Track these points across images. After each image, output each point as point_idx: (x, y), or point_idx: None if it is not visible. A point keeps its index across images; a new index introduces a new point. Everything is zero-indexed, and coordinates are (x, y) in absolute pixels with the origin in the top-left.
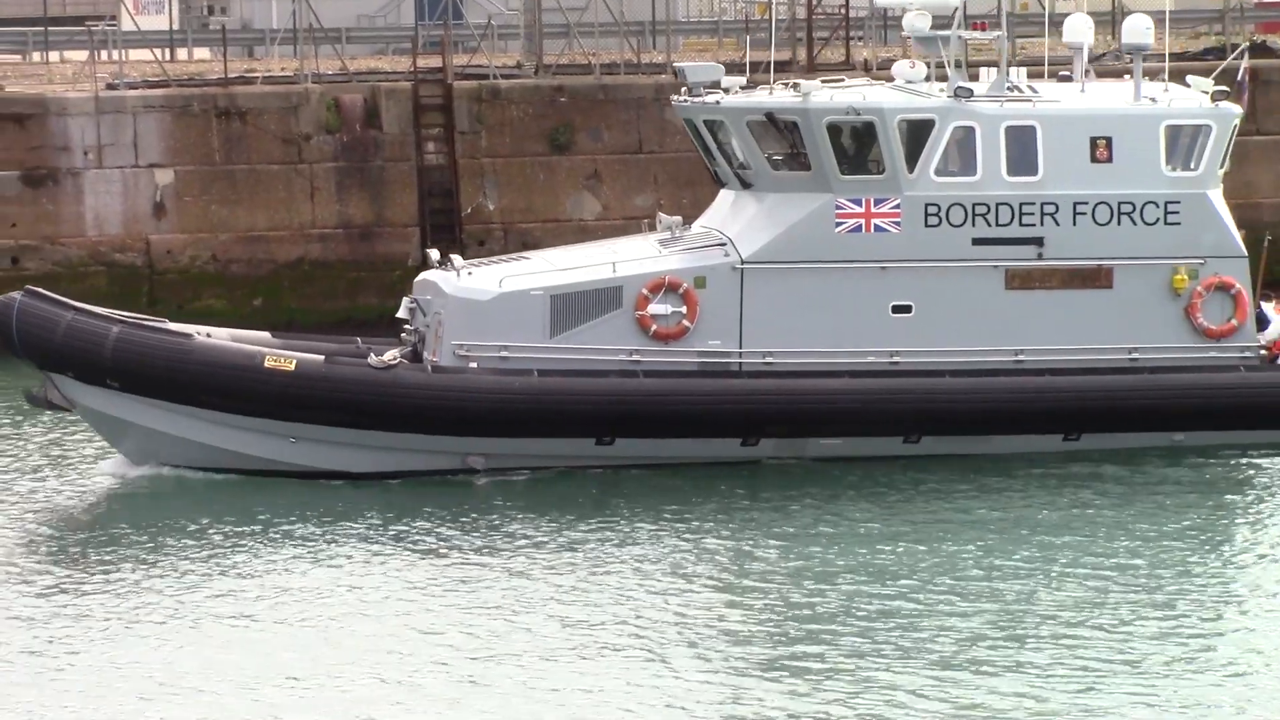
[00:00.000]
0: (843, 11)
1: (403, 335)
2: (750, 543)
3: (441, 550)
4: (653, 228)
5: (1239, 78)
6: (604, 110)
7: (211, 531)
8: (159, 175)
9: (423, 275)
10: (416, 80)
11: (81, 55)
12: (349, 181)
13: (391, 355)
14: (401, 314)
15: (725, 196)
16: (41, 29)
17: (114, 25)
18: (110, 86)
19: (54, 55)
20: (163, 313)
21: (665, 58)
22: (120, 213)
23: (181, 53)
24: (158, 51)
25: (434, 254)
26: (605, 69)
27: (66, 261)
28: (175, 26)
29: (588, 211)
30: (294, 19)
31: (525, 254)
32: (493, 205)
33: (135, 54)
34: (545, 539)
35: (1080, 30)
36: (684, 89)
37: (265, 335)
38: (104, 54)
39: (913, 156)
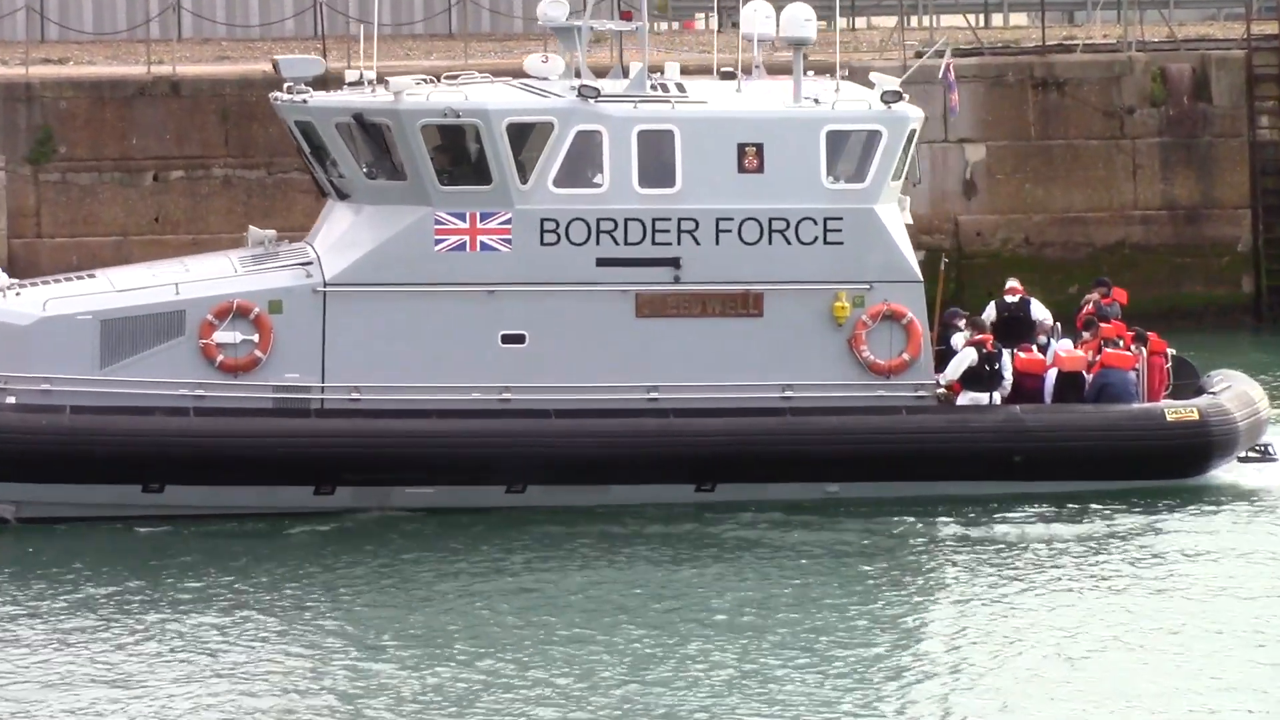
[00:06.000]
0: None
1: None
2: (313, 604)
3: None
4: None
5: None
6: None
7: None
8: (969, 151)
9: None
10: (1250, 48)
11: (890, 21)
12: (1174, 158)
13: None
14: None
15: (327, 209)
16: None
17: None
18: (918, 55)
19: (860, 21)
20: (973, 296)
21: None
22: (928, 191)
23: (996, 18)
24: (971, 17)
25: None
26: None
27: None
28: None
29: None
30: None
31: (92, 271)
32: None
33: (947, 19)
34: (50, 601)
35: (754, 21)
36: (285, 85)
37: None
38: (914, 20)
39: (528, 165)
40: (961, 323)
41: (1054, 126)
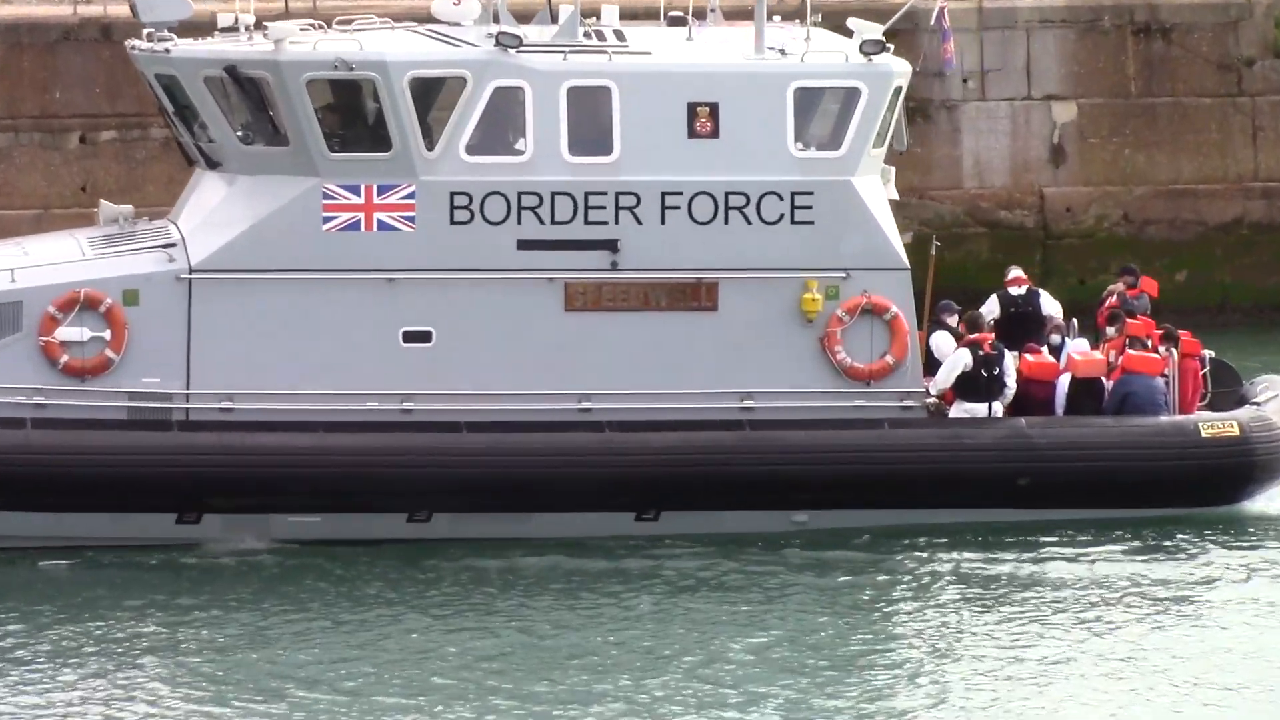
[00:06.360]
0: None
1: None
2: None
3: None
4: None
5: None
6: None
7: None
8: (1057, 110)
9: None
10: None
11: None
12: None
13: None
14: None
15: (195, 179)
16: None
17: None
18: None
19: None
20: (1060, 286)
21: None
22: (1007, 158)
23: None
24: None
25: None
26: None
27: (938, 220)
28: None
29: None
30: None
31: None
32: None
33: None
34: None
35: None
36: (144, 31)
37: None
38: None
39: (435, 128)
40: (953, 319)
41: (1158, 81)
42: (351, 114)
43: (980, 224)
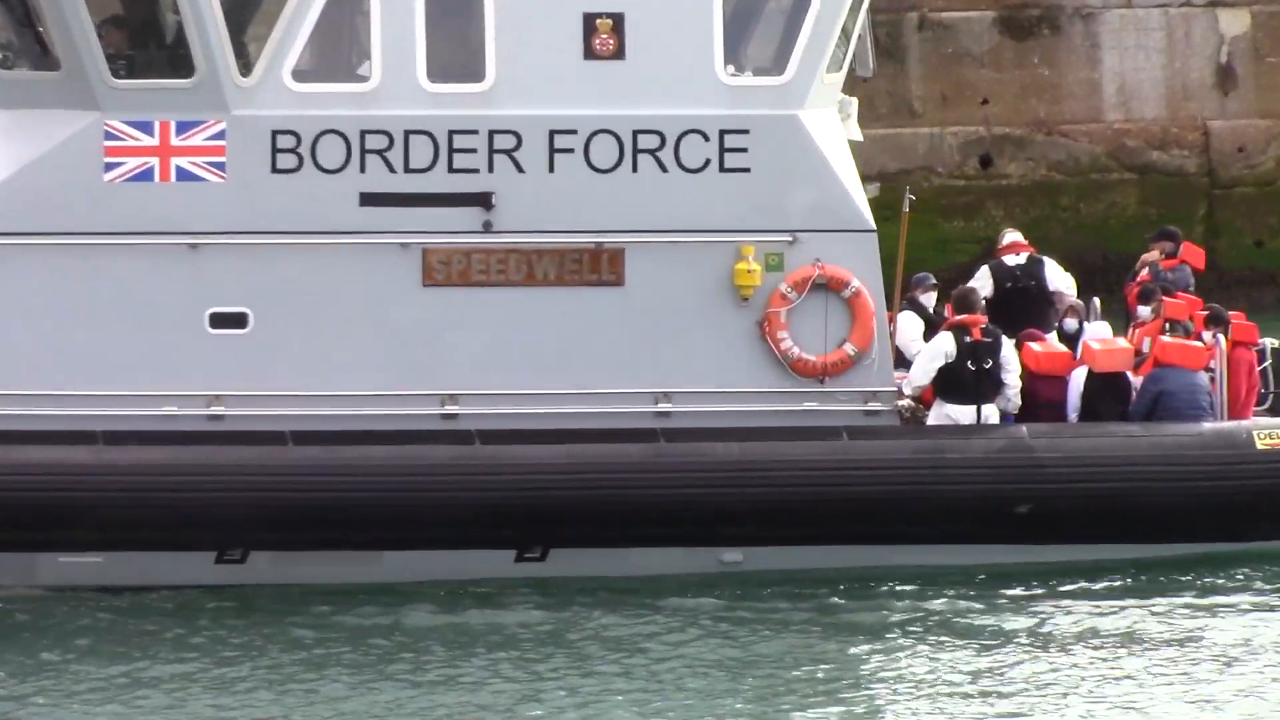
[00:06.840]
0: None
1: None
2: None
3: None
4: None
5: None
6: None
7: None
8: (1225, 20)
9: None
10: None
11: None
12: None
13: None
14: None
15: None
16: None
17: None
18: None
19: None
20: (1231, 248)
21: None
22: (1160, 83)
23: None
24: None
25: None
26: None
27: (1072, 163)
28: None
29: None
30: None
31: None
32: None
33: None
34: None
35: None
36: None
37: None
38: None
39: (252, 47)
40: (930, 297)
41: None
42: (143, 29)
43: (1127, 168)
